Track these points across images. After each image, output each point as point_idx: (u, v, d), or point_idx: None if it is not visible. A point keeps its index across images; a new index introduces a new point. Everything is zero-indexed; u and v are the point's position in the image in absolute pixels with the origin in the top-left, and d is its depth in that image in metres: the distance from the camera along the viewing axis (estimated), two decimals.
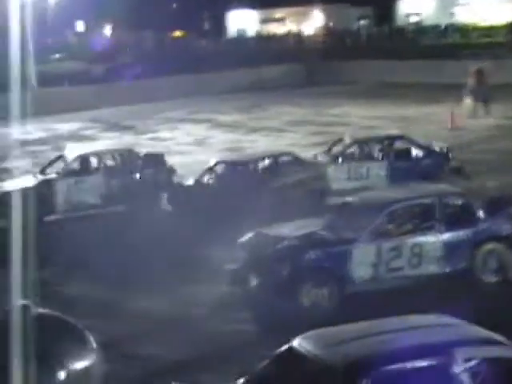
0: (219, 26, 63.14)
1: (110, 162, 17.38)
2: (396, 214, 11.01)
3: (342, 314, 9.45)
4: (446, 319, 6.82)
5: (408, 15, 57.14)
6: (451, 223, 10.94)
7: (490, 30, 47.87)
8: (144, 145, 24.61)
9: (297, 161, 16.37)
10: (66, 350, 7.96)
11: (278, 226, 11.46)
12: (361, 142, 17.04)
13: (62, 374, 7.71)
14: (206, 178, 16.19)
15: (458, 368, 6.08)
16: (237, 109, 32.85)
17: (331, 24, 57.00)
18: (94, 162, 17.10)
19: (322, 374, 6.18)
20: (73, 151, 17.66)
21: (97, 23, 62.23)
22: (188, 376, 8.77)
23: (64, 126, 30.48)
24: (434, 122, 24.89)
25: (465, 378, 6.07)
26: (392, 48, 43.53)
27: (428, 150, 16.60)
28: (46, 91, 35.22)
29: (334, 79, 38.29)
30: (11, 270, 7.36)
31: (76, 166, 17.07)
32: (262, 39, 56.54)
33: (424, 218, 10.98)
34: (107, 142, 26.06)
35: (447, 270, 10.91)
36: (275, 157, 16.45)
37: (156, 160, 17.46)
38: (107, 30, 62.94)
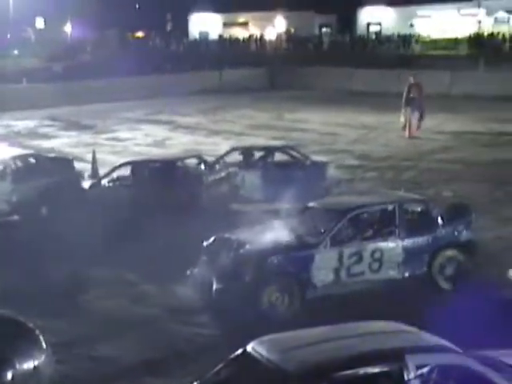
0: (182, 27, 62.99)
1: (18, 167, 16.38)
2: (357, 219, 11.10)
3: (302, 319, 9.57)
4: (399, 326, 6.90)
5: (369, 24, 57.63)
6: (411, 229, 11.06)
7: (448, 43, 48.52)
8: (102, 144, 24.50)
9: (205, 163, 16.42)
10: (14, 349, 7.85)
11: (239, 231, 11.46)
12: (241, 150, 17.40)
13: (9, 374, 7.59)
14: (110, 180, 15.84)
15: (410, 375, 6.15)
16: (198, 111, 32.81)
17: (293, 30, 57.21)
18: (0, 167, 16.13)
19: (276, 379, 6.20)
20: None
21: (57, 20, 61.55)
22: (142, 378, 8.74)
23: (21, 124, 30.16)
24: (393, 131, 25.11)
25: None
26: (353, 56, 43.88)
27: (304, 164, 16.84)
28: (3, 88, 34.83)
29: (295, 84, 38.45)
30: None
31: None
32: (225, 42, 56.56)
33: (385, 223, 11.08)
34: (65, 140, 25.86)
35: (406, 275, 11.01)
36: (184, 159, 16.63)
37: (64, 165, 16.89)
38: (68, 28, 62.29)
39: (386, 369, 6.17)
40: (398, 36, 50.76)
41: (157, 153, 22.67)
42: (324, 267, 10.63)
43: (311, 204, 11.91)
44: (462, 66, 37.25)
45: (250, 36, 57.47)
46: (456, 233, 11.30)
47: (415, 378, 6.16)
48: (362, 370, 6.12)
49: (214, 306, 10.68)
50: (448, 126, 26.30)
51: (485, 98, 31.40)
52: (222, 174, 16.03)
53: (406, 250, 10.94)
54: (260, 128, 27.94)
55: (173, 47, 56.33)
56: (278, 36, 56.91)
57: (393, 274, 10.95)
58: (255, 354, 6.49)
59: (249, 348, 6.62)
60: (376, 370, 6.15)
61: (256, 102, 34.43)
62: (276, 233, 11.02)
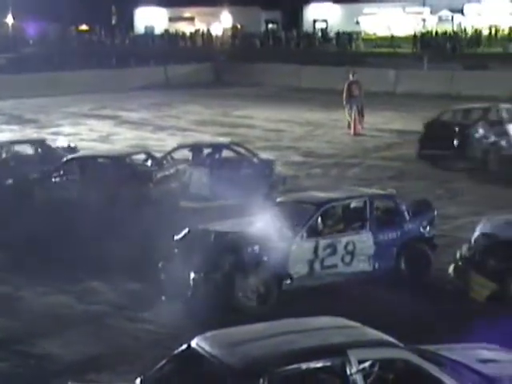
0: (127, 22, 62.50)
1: None
2: (331, 212, 11.50)
3: (274, 311, 9.67)
4: (342, 321, 6.99)
5: (315, 21, 57.93)
6: (381, 223, 11.47)
7: (393, 41, 49.05)
8: (47, 139, 24.20)
9: (153, 159, 16.43)
10: None
11: (215, 223, 11.56)
12: (189, 147, 17.61)
13: None
14: (57, 175, 15.80)
15: (352, 369, 6.24)
16: (143, 106, 32.62)
17: (240, 26, 57.21)
18: None
19: (220, 375, 6.24)
20: None
21: None
22: (85, 375, 8.70)
23: None
24: (339, 128, 25.31)
25: (358, 378, 6.24)
26: (298, 53, 44.08)
27: (251, 161, 16.96)
28: None
29: (241, 80, 38.48)
30: None
31: None
32: (171, 37, 56.28)
33: (357, 217, 11.45)
34: (7, 134, 25.46)
35: (376, 267, 11.33)
36: (131, 154, 16.67)
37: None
38: (9, 19, 61.27)
39: (328, 364, 6.25)
40: (343, 33, 51.07)
41: (102, 148, 22.51)
42: (300, 259, 10.88)
43: (282, 198, 12.25)
44: (407, 64, 37.71)
45: (196, 31, 57.23)
46: (421, 228, 11.76)
47: (357, 372, 6.25)
48: (304, 365, 6.18)
49: (182, 300, 10.60)
50: (392, 124, 26.60)
51: (429, 96, 31.81)
52: (171, 171, 16.04)
53: (376, 243, 11.30)
54: (206, 124, 27.92)
55: (117, 41, 55.89)
56: (225, 31, 56.88)
57: (363, 266, 11.26)
58: (199, 350, 6.52)
59: (193, 343, 6.65)
60: (318, 364, 6.23)
61: (202, 98, 34.37)
62: (252, 225, 11.22)
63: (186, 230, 11.32)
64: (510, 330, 9.17)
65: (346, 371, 6.22)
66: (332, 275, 11.08)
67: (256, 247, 10.69)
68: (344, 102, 24.70)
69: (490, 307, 10.50)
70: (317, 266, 11.01)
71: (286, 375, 6.13)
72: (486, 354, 7.35)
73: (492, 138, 18.62)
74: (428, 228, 11.84)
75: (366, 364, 6.39)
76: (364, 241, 11.27)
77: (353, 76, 25.29)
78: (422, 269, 11.54)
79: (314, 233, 11.07)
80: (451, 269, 11.15)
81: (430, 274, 11.55)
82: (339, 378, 6.24)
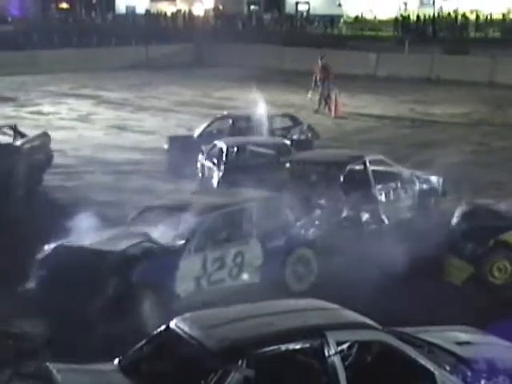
0: (108, 0, 61.99)
1: None
2: (218, 221, 10.30)
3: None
4: (320, 303, 7.01)
5: (297, 3, 57.78)
6: (270, 230, 10.55)
7: (375, 24, 49.03)
8: (25, 118, 24.03)
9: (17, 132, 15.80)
10: None
11: (80, 237, 10.09)
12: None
13: None
14: None
15: (331, 351, 6.26)
16: (124, 86, 32.42)
17: (221, 7, 56.96)
18: None
19: (199, 356, 6.25)
20: None
21: None
22: None
23: None
24: (320, 110, 25.26)
25: (336, 360, 6.27)
26: (281, 34, 43.95)
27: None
28: None
29: (223, 61, 38.30)
30: None
31: None
32: (152, 17, 55.90)
33: (243, 225, 10.45)
34: None
35: (264, 279, 10.38)
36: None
37: None
38: None
39: (306, 345, 6.27)
40: (325, 16, 51.01)
41: (80, 126, 22.39)
42: (187, 275, 9.79)
43: (157, 204, 10.97)
44: (388, 48, 37.72)
45: (178, 11, 56.91)
46: (304, 231, 11.01)
47: (336, 354, 6.27)
48: (282, 347, 6.20)
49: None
50: (373, 107, 26.63)
51: (409, 80, 31.83)
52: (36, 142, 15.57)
53: (265, 251, 10.41)
54: (187, 105, 27.81)
55: (98, 20, 55.44)
56: (206, 12, 56.60)
57: (252, 278, 10.31)
58: (178, 331, 6.52)
59: (172, 324, 6.65)
60: (297, 346, 6.25)
61: (183, 79, 34.19)
62: (130, 237, 9.91)
63: (50, 247, 9.94)
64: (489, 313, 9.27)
65: (324, 353, 6.25)
66: (220, 290, 9.96)
67: (141, 265, 9.46)
68: (313, 85, 24.96)
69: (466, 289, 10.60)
70: (204, 281, 9.93)
71: (265, 357, 6.14)
72: (463, 336, 7.41)
73: None
74: (311, 231, 11.07)
75: (344, 346, 6.42)
76: (253, 251, 10.30)
77: (321, 59, 25.45)
78: (306, 275, 10.70)
79: (201, 245, 9.94)
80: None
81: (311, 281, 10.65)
82: (317, 360, 6.27)
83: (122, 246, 9.70)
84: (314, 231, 11.14)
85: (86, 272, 9.39)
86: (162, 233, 10.06)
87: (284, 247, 10.65)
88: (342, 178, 12.67)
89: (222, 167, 14.69)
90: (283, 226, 10.82)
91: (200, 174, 15.34)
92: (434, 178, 13.92)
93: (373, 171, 13.05)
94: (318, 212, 11.63)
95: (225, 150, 15.07)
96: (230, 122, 17.87)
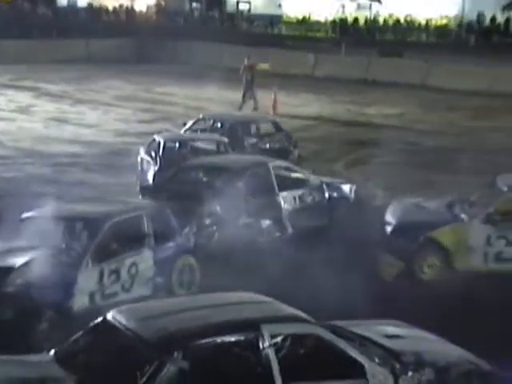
0: None
1: None
2: (114, 229, 9.61)
3: None
4: (255, 296, 7.04)
5: (238, 2, 57.72)
6: (159, 239, 10.13)
7: (314, 25, 49.33)
8: None
9: None
10: None
11: None
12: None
13: None
14: None
15: (265, 343, 6.30)
16: (64, 79, 31.99)
17: (163, 3, 56.64)
18: None
19: (135, 347, 6.22)
20: None
21: None
22: None
23: None
24: (259, 108, 25.31)
25: (270, 352, 6.30)
26: (222, 33, 43.86)
27: None
28: None
29: (164, 58, 38.08)
30: None
31: None
32: (94, 11, 55.27)
33: (137, 233, 9.93)
34: None
35: (156, 290, 9.97)
36: None
37: None
38: None
39: (241, 338, 6.29)
40: (266, 15, 51.11)
41: (19, 118, 22.03)
42: (84, 290, 9.19)
43: (34, 213, 9.92)
44: (326, 49, 37.97)
45: (120, 6, 56.44)
46: (187, 239, 10.72)
47: (270, 346, 6.31)
48: (218, 339, 6.21)
49: None
50: (310, 106, 26.82)
51: (346, 80, 32.13)
52: None
53: (156, 261, 9.97)
54: (127, 99, 27.58)
55: (40, 12, 54.53)
56: (149, 8, 56.21)
57: (143, 290, 9.82)
58: (114, 322, 6.48)
59: (108, 316, 6.61)
60: (232, 339, 6.26)
61: (124, 74, 33.88)
62: (22, 252, 9.22)
63: None
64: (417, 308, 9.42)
65: (258, 345, 6.28)
66: (112, 306, 8.80)
67: (36, 284, 8.73)
68: (244, 86, 25.28)
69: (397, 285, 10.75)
70: (98, 296, 9.33)
71: (201, 349, 6.15)
72: (392, 329, 7.53)
73: None
74: (192, 238, 10.80)
75: (279, 338, 6.45)
76: (146, 261, 9.83)
77: (248, 60, 25.67)
78: (191, 281, 10.39)
79: (98, 257, 9.32)
80: None
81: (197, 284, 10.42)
82: (252, 352, 6.29)
83: (19, 261, 9.02)
84: (193, 239, 10.79)
85: None
86: (48, 245, 9.30)
87: (173, 256, 10.26)
88: (241, 185, 12.15)
89: (159, 161, 14.56)
90: (171, 235, 10.40)
91: (139, 168, 15.22)
92: (345, 186, 13.50)
93: (278, 178, 12.54)
94: (207, 220, 11.38)
95: (162, 144, 14.93)
96: (211, 122, 17.47)
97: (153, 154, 14.90)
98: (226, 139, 15.58)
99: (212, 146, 15.38)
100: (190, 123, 17.64)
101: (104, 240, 9.48)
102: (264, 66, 27.76)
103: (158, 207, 10.66)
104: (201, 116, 18.13)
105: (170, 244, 10.34)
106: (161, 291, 9.99)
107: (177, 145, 15.37)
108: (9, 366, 6.45)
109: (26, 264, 9.00)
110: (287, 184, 12.73)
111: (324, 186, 13.19)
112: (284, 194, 12.57)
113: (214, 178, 12.53)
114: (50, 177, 16.45)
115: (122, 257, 9.65)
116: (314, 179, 13.24)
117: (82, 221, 9.70)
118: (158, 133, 16.46)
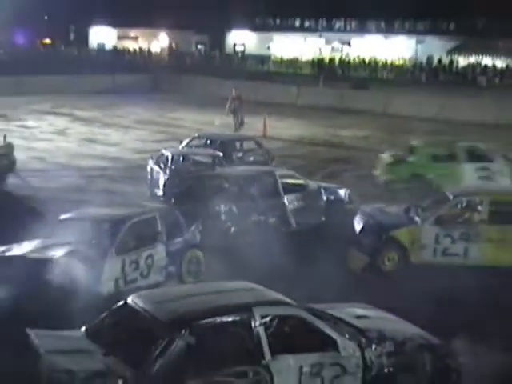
0: (83, 38, 61.09)
1: None
2: (132, 228, 9.69)
3: None
4: (248, 284, 7.03)
5: (235, 45, 57.79)
6: (170, 235, 10.15)
7: (296, 63, 49.39)
8: (12, 130, 23.44)
9: None
10: None
11: (16, 247, 9.41)
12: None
13: None
14: None
15: (256, 323, 6.28)
16: (94, 107, 31.91)
17: (175, 45, 56.70)
18: None
19: (151, 326, 6.21)
20: None
21: None
22: None
23: None
24: (252, 130, 25.26)
25: (261, 330, 6.29)
26: (221, 69, 43.90)
27: None
28: None
29: (174, 89, 38.06)
30: None
31: None
32: (118, 52, 55.29)
33: (153, 231, 9.99)
34: None
35: (167, 277, 10.00)
36: None
37: None
38: None
39: (237, 318, 6.28)
40: (257, 55, 51.18)
41: (57, 138, 21.95)
42: (110, 277, 9.29)
43: (69, 216, 10.00)
44: (307, 83, 37.98)
45: (140, 48, 56.60)
46: (194, 236, 10.67)
47: (260, 325, 6.30)
48: (218, 319, 6.20)
49: None
50: (294, 129, 26.78)
51: (324, 108, 32.14)
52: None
53: (168, 253, 10.02)
54: (144, 123, 27.53)
55: (75, 54, 54.48)
56: (162, 49, 56.32)
57: (157, 277, 9.87)
58: (134, 305, 6.46)
59: (129, 300, 6.58)
60: (229, 319, 6.25)
61: (142, 102, 33.78)
62: (60, 247, 9.29)
63: None
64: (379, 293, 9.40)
65: (251, 325, 6.26)
66: (133, 290, 8.54)
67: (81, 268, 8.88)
68: (227, 112, 25.03)
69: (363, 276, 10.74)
70: (121, 282, 9.42)
71: (204, 327, 6.13)
72: (360, 311, 7.51)
73: None
74: (198, 235, 10.70)
75: (267, 319, 6.43)
76: (159, 253, 9.88)
77: (235, 92, 25.63)
78: (198, 271, 10.39)
79: (121, 250, 9.45)
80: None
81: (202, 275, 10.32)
82: (246, 330, 6.28)
83: (59, 253, 9.05)
84: (199, 236, 10.67)
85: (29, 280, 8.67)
86: (80, 241, 9.37)
87: (181, 249, 10.25)
88: (253, 189, 12.31)
89: (168, 171, 14.54)
90: (180, 232, 10.36)
91: (149, 177, 15.11)
92: (341, 190, 13.62)
93: (283, 183, 12.68)
94: (223, 217, 11.47)
95: (170, 157, 14.95)
96: (204, 140, 17.40)
97: (162, 166, 14.85)
98: (220, 153, 15.56)
99: (209, 160, 15.33)
100: (186, 141, 17.56)
101: (125, 236, 9.53)
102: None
103: (169, 209, 10.76)
104: (196, 135, 18.13)
105: (179, 239, 10.30)
106: (172, 278, 10.01)
107: (181, 158, 15.31)
108: (51, 339, 6.42)
109: (62, 256, 9.01)
110: (290, 188, 12.90)
111: (322, 190, 13.30)
112: (288, 196, 12.69)
113: (231, 184, 12.67)
114: (83, 186, 16.40)
115: (140, 250, 9.69)
116: (312, 184, 13.41)
117: (108, 221, 9.78)
118: (165, 148, 16.44)
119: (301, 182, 13.32)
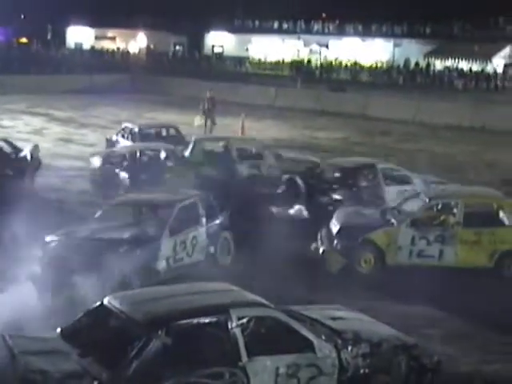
0: (60, 37, 60.60)
1: None
2: (182, 211, 10.37)
3: None
4: (225, 286, 7.03)
5: (213, 46, 57.75)
6: (208, 219, 10.80)
7: (274, 65, 49.49)
8: None
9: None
10: None
11: (84, 228, 10.16)
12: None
13: None
14: None
15: (233, 324, 6.28)
16: (70, 107, 31.65)
17: (152, 46, 56.50)
18: None
19: (127, 326, 6.17)
20: None
21: None
22: None
23: None
24: (229, 131, 25.23)
25: (237, 331, 6.29)
26: (199, 70, 43.85)
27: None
28: None
29: (152, 90, 37.88)
30: None
31: None
32: (96, 52, 54.96)
33: (196, 214, 10.65)
34: None
35: (206, 256, 10.65)
36: None
37: None
38: None
39: (214, 319, 6.27)
40: (235, 57, 51.21)
41: (34, 138, 21.71)
42: (164, 255, 9.95)
43: (122, 199, 10.94)
44: (284, 84, 38.05)
45: (117, 48, 56.29)
46: (225, 219, 11.24)
47: (237, 326, 6.30)
48: (195, 320, 6.18)
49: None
50: (272, 130, 26.81)
51: (301, 110, 32.19)
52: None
53: (207, 235, 10.68)
54: (121, 123, 27.32)
55: (52, 53, 54.05)
56: (140, 50, 56.10)
57: (199, 256, 10.53)
58: (110, 306, 6.42)
59: (105, 301, 6.54)
60: (206, 320, 6.24)
61: (119, 102, 33.60)
62: (121, 227, 10.16)
63: (56, 234, 9.81)
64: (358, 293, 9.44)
65: (227, 326, 6.26)
66: (180, 268, 10.11)
67: (138, 249, 9.59)
68: (201, 112, 24.98)
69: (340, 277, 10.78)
70: (171, 260, 10.07)
71: (181, 328, 6.11)
72: (336, 313, 7.53)
73: None
74: (227, 219, 11.29)
75: (244, 320, 6.43)
76: (201, 234, 10.55)
77: (210, 92, 25.54)
78: (229, 250, 11.08)
79: (173, 231, 10.10)
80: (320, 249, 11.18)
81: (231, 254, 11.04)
82: (222, 331, 6.27)
83: (125, 234, 9.93)
84: (228, 219, 11.27)
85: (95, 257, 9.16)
86: (139, 223, 10.32)
87: (217, 231, 10.92)
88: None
89: (127, 167, 14.88)
90: (214, 215, 11.03)
91: (101, 176, 15.26)
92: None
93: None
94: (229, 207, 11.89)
95: (128, 155, 15.35)
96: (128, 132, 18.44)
97: (120, 164, 15.09)
98: (172, 146, 15.81)
99: (162, 153, 15.49)
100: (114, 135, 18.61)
101: (176, 218, 10.21)
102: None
103: (206, 195, 11.30)
104: (122, 128, 18.97)
105: (215, 222, 10.94)
106: (211, 257, 10.67)
107: (138, 153, 15.52)
108: (23, 341, 6.36)
109: (130, 236, 9.89)
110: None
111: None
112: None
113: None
114: (59, 186, 16.26)
115: (186, 231, 10.35)
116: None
117: (161, 205, 10.64)
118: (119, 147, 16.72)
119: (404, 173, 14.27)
